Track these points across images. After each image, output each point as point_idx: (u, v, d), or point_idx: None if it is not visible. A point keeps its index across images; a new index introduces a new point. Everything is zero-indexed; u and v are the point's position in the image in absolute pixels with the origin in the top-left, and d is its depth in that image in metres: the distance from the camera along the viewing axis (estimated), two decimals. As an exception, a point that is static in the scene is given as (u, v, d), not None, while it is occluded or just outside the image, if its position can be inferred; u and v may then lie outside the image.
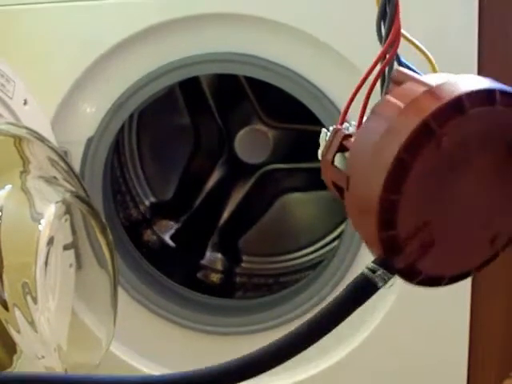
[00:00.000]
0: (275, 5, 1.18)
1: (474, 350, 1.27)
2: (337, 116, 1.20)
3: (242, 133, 1.65)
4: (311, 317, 0.58)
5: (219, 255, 1.66)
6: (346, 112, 0.61)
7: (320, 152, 0.64)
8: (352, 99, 0.61)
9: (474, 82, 0.54)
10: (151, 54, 1.23)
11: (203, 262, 1.65)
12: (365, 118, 0.59)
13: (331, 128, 0.63)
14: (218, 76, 1.58)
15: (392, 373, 1.31)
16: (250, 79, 1.43)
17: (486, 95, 0.52)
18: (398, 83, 0.58)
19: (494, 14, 1.15)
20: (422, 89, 0.54)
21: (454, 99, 0.52)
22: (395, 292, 1.24)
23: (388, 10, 0.59)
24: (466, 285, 1.23)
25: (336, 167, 0.60)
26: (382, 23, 0.60)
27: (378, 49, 1.20)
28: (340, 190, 0.59)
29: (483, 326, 1.26)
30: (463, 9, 1.14)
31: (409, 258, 0.54)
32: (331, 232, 1.63)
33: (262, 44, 1.21)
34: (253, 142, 1.64)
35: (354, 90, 0.60)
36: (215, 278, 1.62)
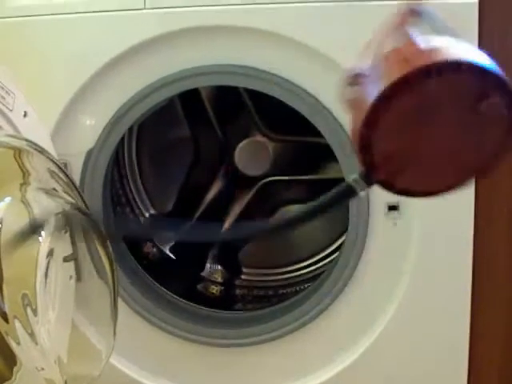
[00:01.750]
0: (275, 17, 1.18)
1: (474, 358, 1.27)
2: (337, 128, 1.20)
3: (241, 145, 1.65)
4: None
5: (219, 267, 1.66)
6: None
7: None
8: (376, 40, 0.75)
9: (459, 50, 0.68)
10: (151, 66, 1.24)
11: (203, 274, 1.65)
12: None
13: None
14: (218, 88, 1.58)
15: (393, 381, 1.30)
16: (249, 91, 1.43)
17: (455, 66, 0.66)
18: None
19: (494, 14, 1.16)
20: (413, 48, 0.69)
21: (428, 65, 0.66)
22: (396, 300, 1.24)
23: None
24: (466, 292, 1.23)
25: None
26: None
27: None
28: None
29: (483, 334, 1.26)
30: (463, 9, 1.15)
31: (383, 175, 0.72)
32: (331, 244, 1.63)
33: (261, 56, 1.21)
34: (253, 154, 1.64)
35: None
36: (215, 290, 1.62)
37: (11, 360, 0.84)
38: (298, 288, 1.55)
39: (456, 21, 1.16)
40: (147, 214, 1.66)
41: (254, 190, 1.67)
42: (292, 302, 1.39)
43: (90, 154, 1.28)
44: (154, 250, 1.63)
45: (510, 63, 1.17)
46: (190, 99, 1.59)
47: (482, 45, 1.16)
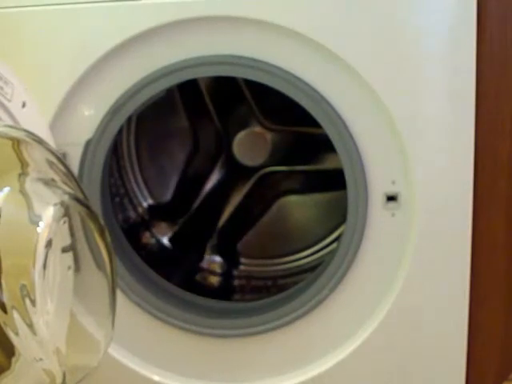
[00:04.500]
0: (274, 7, 1.18)
1: (472, 352, 1.27)
2: (335, 119, 1.20)
3: (240, 135, 1.65)
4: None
5: (218, 258, 1.66)
6: None
7: None
8: None
9: None
10: (149, 56, 1.23)
11: (202, 264, 1.65)
12: None
13: None
14: (217, 78, 1.58)
15: (390, 373, 1.31)
16: (248, 82, 1.43)
17: None
18: None
19: (493, 13, 1.16)
20: None
21: None
22: (395, 290, 1.25)
23: None
24: (464, 283, 1.23)
25: None
26: None
27: (376, 51, 1.20)
28: None
29: (482, 328, 1.26)
30: (461, 6, 1.15)
31: None
32: (329, 234, 1.63)
33: (260, 46, 1.21)
34: (251, 145, 1.64)
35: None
36: (214, 280, 1.62)
37: (10, 350, 0.84)
38: (296, 278, 1.55)
39: (454, 6, 1.17)
40: (145, 205, 1.66)
41: (252, 181, 1.68)
42: (291, 292, 1.39)
43: (88, 144, 1.28)
44: (153, 240, 1.63)
45: (509, 49, 1.18)
46: (188, 90, 1.59)
47: (480, 43, 1.16)
